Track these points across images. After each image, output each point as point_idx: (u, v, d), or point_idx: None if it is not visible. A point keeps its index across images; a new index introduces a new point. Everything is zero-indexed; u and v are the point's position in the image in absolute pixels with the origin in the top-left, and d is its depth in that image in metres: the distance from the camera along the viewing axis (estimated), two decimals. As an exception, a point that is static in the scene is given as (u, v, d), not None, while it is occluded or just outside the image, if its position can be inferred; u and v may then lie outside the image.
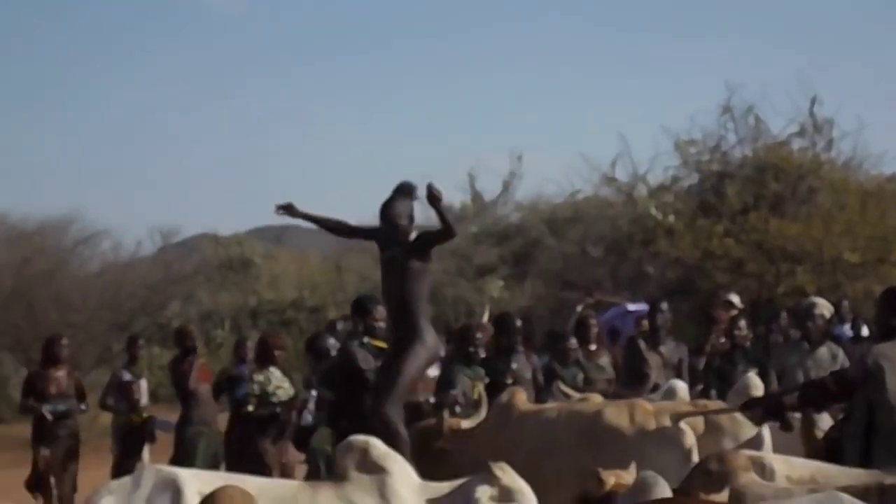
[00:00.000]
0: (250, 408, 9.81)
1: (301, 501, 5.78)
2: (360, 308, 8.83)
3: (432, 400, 8.85)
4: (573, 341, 10.11)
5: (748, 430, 8.11)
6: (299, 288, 26.45)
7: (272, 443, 9.92)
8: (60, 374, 10.14)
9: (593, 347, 10.37)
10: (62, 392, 10.02)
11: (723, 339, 11.26)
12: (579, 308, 12.18)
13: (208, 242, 29.36)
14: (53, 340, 10.45)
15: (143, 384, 10.91)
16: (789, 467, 5.89)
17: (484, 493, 5.55)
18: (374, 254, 27.94)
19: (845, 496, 4.75)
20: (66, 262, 21.19)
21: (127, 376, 10.88)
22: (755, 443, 7.73)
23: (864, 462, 6.40)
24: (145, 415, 10.73)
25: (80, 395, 10.26)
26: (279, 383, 9.96)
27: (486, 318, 14.55)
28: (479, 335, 9.30)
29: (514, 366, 9.34)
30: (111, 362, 20.94)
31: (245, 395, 9.94)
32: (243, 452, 9.67)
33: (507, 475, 5.74)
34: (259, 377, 9.91)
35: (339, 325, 11.98)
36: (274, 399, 9.85)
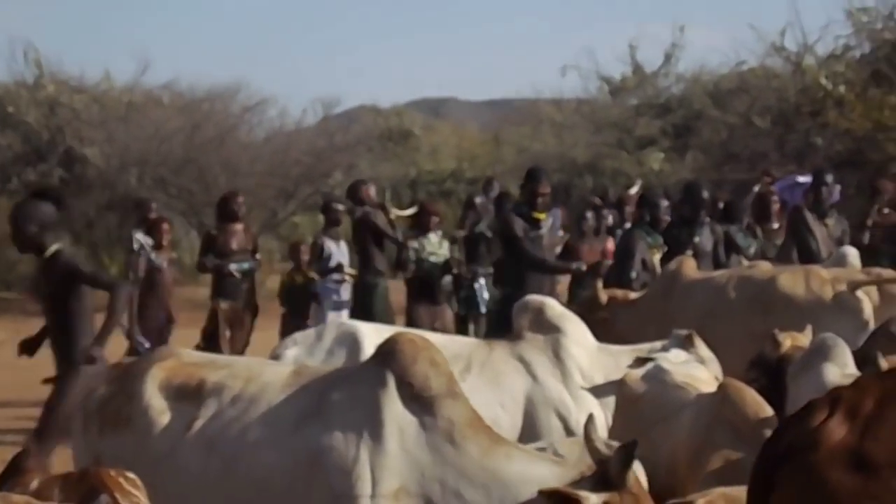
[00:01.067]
0: (406, 274, 10.01)
1: (476, 358, 5.87)
2: (528, 178, 8.81)
3: (584, 267, 8.85)
4: (742, 203, 9.97)
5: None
6: (458, 159, 26.57)
7: (427, 307, 10.03)
8: (239, 229, 10.17)
9: (775, 226, 10.19)
10: (242, 248, 10.07)
11: (887, 211, 10.97)
12: (757, 188, 11.93)
13: (368, 114, 29.60)
14: (230, 197, 10.44)
15: (343, 247, 10.82)
16: None
17: (679, 358, 5.52)
18: (533, 126, 27.88)
19: None
20: (234, 128, 21.52)
21: (324, 240, 10.84)
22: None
23: None
24: (309, 276, 10.66)
25: (255, 251, 10.30)
26: (434, 249, 10.11)
27: (635, 189, 14.43)
28: (663, 203, 9.20)
29: (696, 238, 9.21)
30: (277, 228, 21.44)
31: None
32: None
33: (700, 344, 5.71)
34: (414, 243, 10.06)
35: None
36: (427, 266, 10.01)
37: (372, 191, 10.79)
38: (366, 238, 10.29)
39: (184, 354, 4.44)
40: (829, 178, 9.98)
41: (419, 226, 10.29)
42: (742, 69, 21.79)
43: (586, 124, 24.65)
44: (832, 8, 21.95)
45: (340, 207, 10.84)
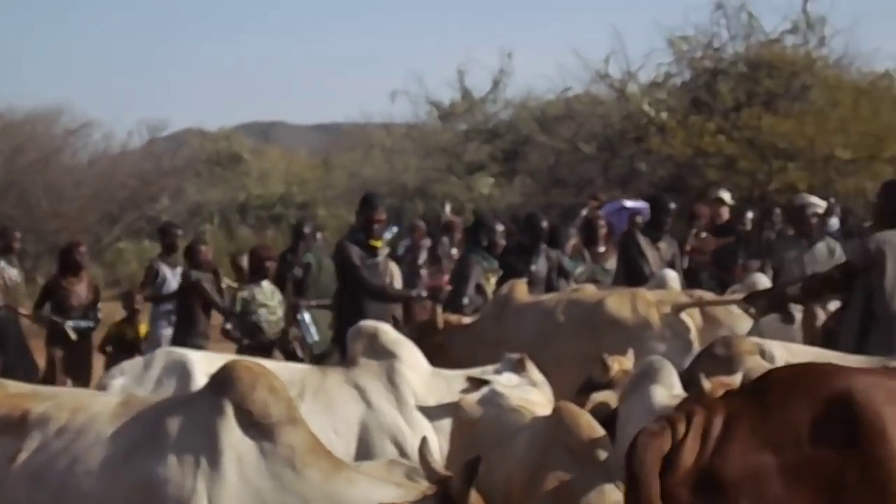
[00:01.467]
0: (227, 326, 9.16)
1: (310, 384, 5.80)
2: (363, 205, 8.75)
3: (424, 294, 8.87)
4: (572, 230, 10.09)
5: (743, 322, 8.17)
6: (287, 184, 26.41)
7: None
8: (81, 285, 9.82)
9: (602, 249, 10.35)
10: (82, 304, 9.74)
11: (704, 235, 11.30)
12: (584, 211, 12.14)
13: (196, 137, 29.22)
14: (72, 248, 10.00)
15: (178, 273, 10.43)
16: (790, 354, 5.94)
17: (510, 381, 5.56)
18: (363, 150, 27.70)
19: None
20: (57, 151, 21.01)
21: (159, 265, 10.48)
22: (750, 335, 7.78)
23: (859, 348, 6.47)
24: (140, 332, 10.34)
25: (95, 302, 9.92)
26: (266, 300, 9.21)
27: (447, 211, 14.58)
28: (498, 227, 9.25)
29: (533, 268, 9.31)
30: (102, 254, 20.94)
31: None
32: None
33: (532, 368, 5.76)
34: (244, 293, 9.23)
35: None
36: (254, 318, 9.12)
37: (209, 254, 10.36)
38: (193, 301, 9.72)
39: (7, 385, 4.28)
40: (672, 204, 10.16)
41: (251, 273, 9.50)
42: (568, 96, 22.22)
43: (416, 149, 24.80)
44: (654, 36, 22.51)
45: (179, 232, 10.60)
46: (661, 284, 8.60)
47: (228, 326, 9.16)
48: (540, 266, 9.36)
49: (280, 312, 9.28)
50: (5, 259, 10.22)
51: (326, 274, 9.94)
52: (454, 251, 11.72)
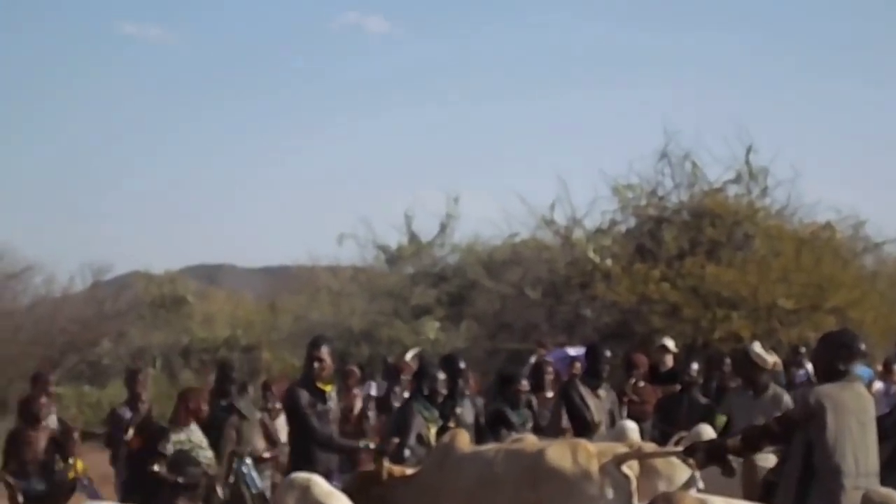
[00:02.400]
0: (156, 467, 8.89)
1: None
2: (311, 347, 8.72)
3: (372, 446, 8.75)
4: (524, 383, 10.06)
5: (682, 473, 8.10)
6: (233, 327, 26.25)
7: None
8: (41, 435, 9.56)
9: (549, 395, 10.30)
10: (42, 460, 9.45)
11: (642, 384, 11.29)
12: (533, 358, 12.16)
13: (140, 280, 29.07)
14: (30, 400, 9.77)
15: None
16: None
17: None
18: (309, 293, 27.54)
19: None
20: (-4, 296, 20.84)
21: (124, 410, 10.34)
22: (689, 486, 7.72)
23: (798, 502, 6.41)
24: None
25: (66, 457, 9.60)
26: (199, 441, 9.09)
27: (410, 355, 14.51)
28: (440, 376, 9.18)
29: (458, 410, 9.27)
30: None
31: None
32: None
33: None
34: (179, 436, 9.03)
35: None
36: (193, 454, 8.97)
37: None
38: None
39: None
40: (608, 353, 10.21)
41: (182, 416, 9.18)
42: (514, 241, 22.35)
43: (363, 292, 24.79)
44: (599, 184, 22.74)
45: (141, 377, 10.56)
46: (620, 436, 8.54)
47: (156, 468, 8.90)
48: (466, 410, 9.31)
49: (211, 455, 9.10)
50: None
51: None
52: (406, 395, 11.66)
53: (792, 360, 13.60)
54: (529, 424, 9.79)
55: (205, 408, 9.22)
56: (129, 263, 38.08)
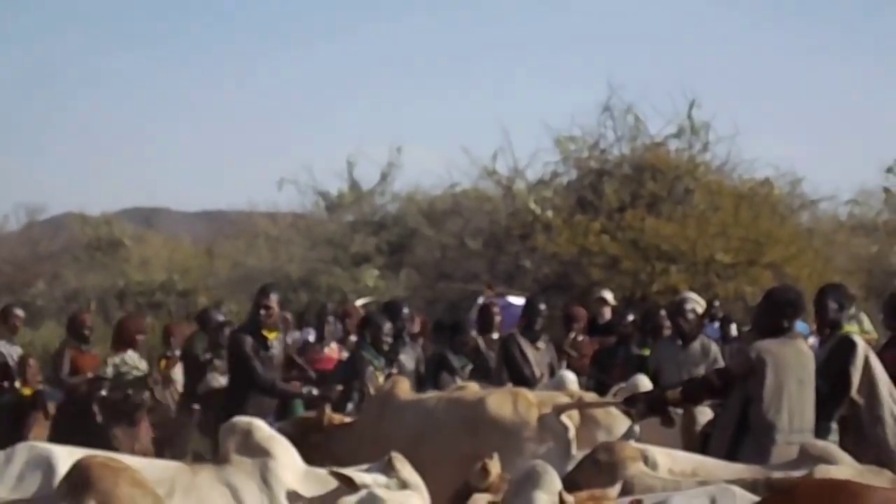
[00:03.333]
0: (103, 392, 9.37)
1: (179, 483, 5.60)
2: (259, 294, 8.70)
3: (315, 392, 8.73)
4: (472, 335, 10.09)
5: (622, 423, 8.16)
6: (169, 271, 26.00)
7: (125, 428, 9.42)
8: None
9: (496, 336, 10.32)
10: None
11: (581, 337, 11.34)
12: (481, 299, 12.17)
13: (75, 221, 28.70)
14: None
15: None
16: (672, 460, 5.91)
17: (377, 480, 5.44)
18: (247, 239, 27.39)
19: (737, 489, 4.77)
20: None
21: (7, 347, 10.32)
22: (628, 436, 7.78)
23: (731, 455, 6.49)
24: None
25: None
26: (135, 363, 9.65)
27: (360, 302, 14.50)
28: (387, 324, 9.17)
29: (401, 356, 9.27)
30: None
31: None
32: (92, 439, 9.25)
33: (405, 467, 5.64)
34: (114, 359, 9.59)
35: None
36: (130, 378, 9.52)
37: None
38: None
39: None
40: (542, 306, 10.26)
41: (119, 342, 9.81)
42: (455, 191, 22.34)
43: (302, 239, 24.67)
44: (541, 136, 22.77)
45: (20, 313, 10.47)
46: (560, 386, 8.57)
47: (103, 392, 9.26)
48: (407, 354, 9.33)
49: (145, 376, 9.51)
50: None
51: None
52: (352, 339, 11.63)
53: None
54: (469, 367, 9.83)
55: (141, 337, 9.70)
56: (64, 204, 37.60)
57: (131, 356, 9.63)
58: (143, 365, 9.71)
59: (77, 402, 9.54)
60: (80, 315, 10.69)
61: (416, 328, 11.13)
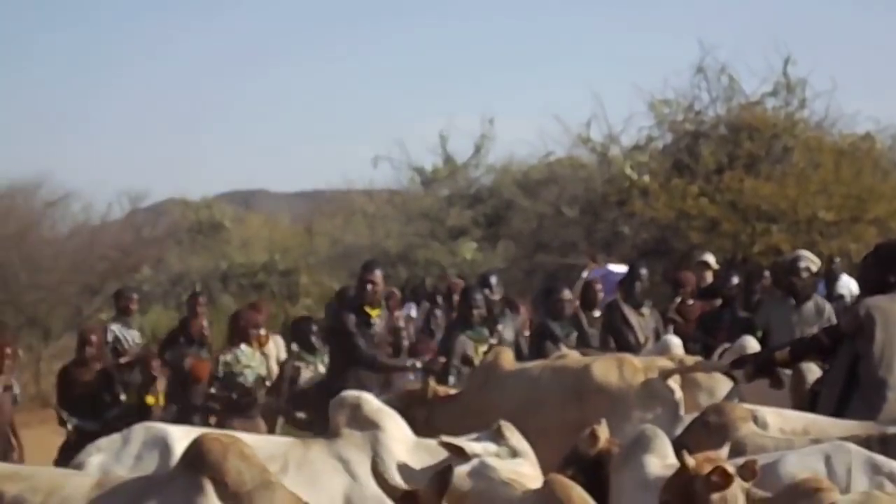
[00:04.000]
0: (212, 390, 9.23)
1: (292, 458, 5.68)
2: (362, 271, 8.77)
3: (418, 365, 8.79)
4: (566, 293, 10.03)
5: (724, 385, 8.11)
6: (270, 251, 26.29)
7: (242, 421, 9.03)
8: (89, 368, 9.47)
9: (597, 314, 10.29)
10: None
11: (691, 302, 11.24)
12: (585, 273, 12.12)
13: (177, 206, 29.17)
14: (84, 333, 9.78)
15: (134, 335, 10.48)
16: (782, 420, 5.86)
17: (487, 449, 5.47)
18: (345, 217, 27.56)
19: (852, 445, 4.72)
20: (36, 224, 20.91)
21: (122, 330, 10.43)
22: (730, 398, 7.73)
23: (839, 412, 6.41)
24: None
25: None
26: (248, 361, 9.31)
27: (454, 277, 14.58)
28: (477, 297, 9.21)
29: (499, 326, 9.29)
30: (82, 326, 20.75)
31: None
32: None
33: (514, 435, 5.66)
34: (226, 356, 9.29)
35: None
36: (241, 380, 9.21)
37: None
38: None
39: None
40: (644, 272, 10.18)
41: (233, 336, 9.49)
42: (550, 160, 22.25)
43: (398, 215, 24.78)
44: (635, 100, 22.48)
45: (134, 296, 10.51)
46: (664, 351, 8.53)
47: (213, 390, 9.14)
48: (505, 326, 9.34)
49: (264, 371, 9.28)
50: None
51: None
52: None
53: (827, 273, 13.42)
54: (573, 335, 9.79)
55: (255, 332, 9.39)
56: (165, 190, 38.24)
57: (244, 351, 9.35)
58: (255, 360, 9.39)
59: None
60: (193, 321, 10.48)
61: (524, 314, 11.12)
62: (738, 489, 4.21)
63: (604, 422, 5.74)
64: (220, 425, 9.10)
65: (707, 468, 4.18)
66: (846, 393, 6.63)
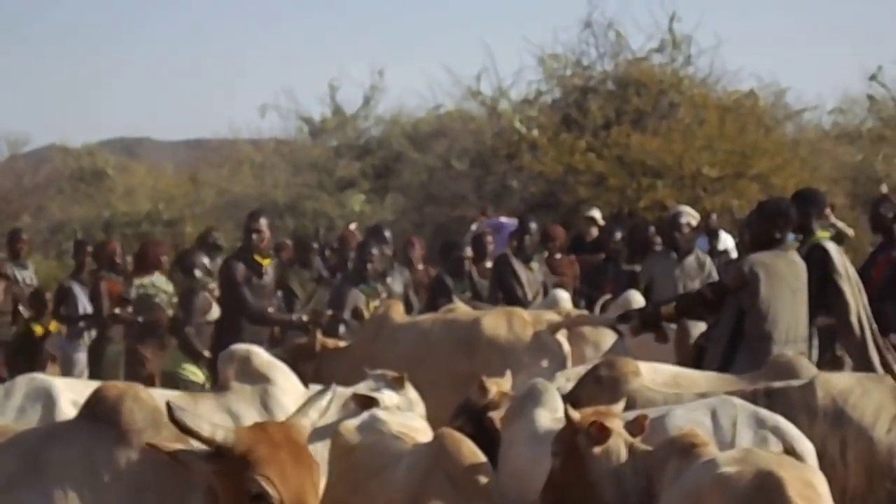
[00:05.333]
0: (117, 310, 9.40)
1: (181, 412, 5.61)
2: (249, 221, 8.62)
3: (305, 318, 8.72)
4: (468, 250, 10.06)
5: (609, 338, 8.23)
6: (154, 201, 25.84)
7: (154, 350, 9.24)
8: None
9: (489, 264, 10.32)
10: None
11: (558, 256, 11.34)
12: (475, 226, 12.14)
13: (58, 153, 28.50)
14: None
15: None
16: (654, 372, 5.95)
17: (391, 399, 5.48)
18: (231, 166, 27.21)
19: (738, 400, 4.80)
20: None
21: (20, 271, 10.39)
22: (615, 351, 7.83)
23: (724, 367, 6.53)
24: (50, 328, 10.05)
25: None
26: (162, 286, 9.55)
27: (353, 226, 14.51)
28: (374, 251, 9.17)
29: (388, 280, 9.28)
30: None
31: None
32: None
33: (409, 386, 5.68)
34: (142, 281, 9.51)
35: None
36: (157, 300, 9.39)
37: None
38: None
39: None
40: (534, 225, 10.23)
41: (144, 265, 9.71)
42: (439, 112, 22.20)
43: (286, 165, 24.53)
44: (525, 54, 22.56)
45: (25, 237, 10.57)
46: (552, 305, 8.60)
47: (117, 311, 9.34)
48: (395, 281, 9.34)
49: (173, 300, 9.37)
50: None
51: None
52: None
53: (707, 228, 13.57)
54: (467, 294, 9.81)
55: (165, 259, 9.79)
56: (45, 136, 37.39)
57: (158, 279, 9.58)
58: (170, 287, 9.60)
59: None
60: (110, 245, 10.59)
61: (418, 253, 11.11)
62: (620, 443, 4.28)
63: (508, 374, 5.79)
64: (131, 351, 9.24)
65: (601, 422, 4.24)
66: (731, 347, 6.76)
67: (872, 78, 21.91)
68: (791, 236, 11.24)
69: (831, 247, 7.25)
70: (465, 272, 9.87)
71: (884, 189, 12.72)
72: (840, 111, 22.59)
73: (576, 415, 4.33)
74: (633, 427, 4.36)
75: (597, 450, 4.27)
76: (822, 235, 7.41)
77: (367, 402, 5.52)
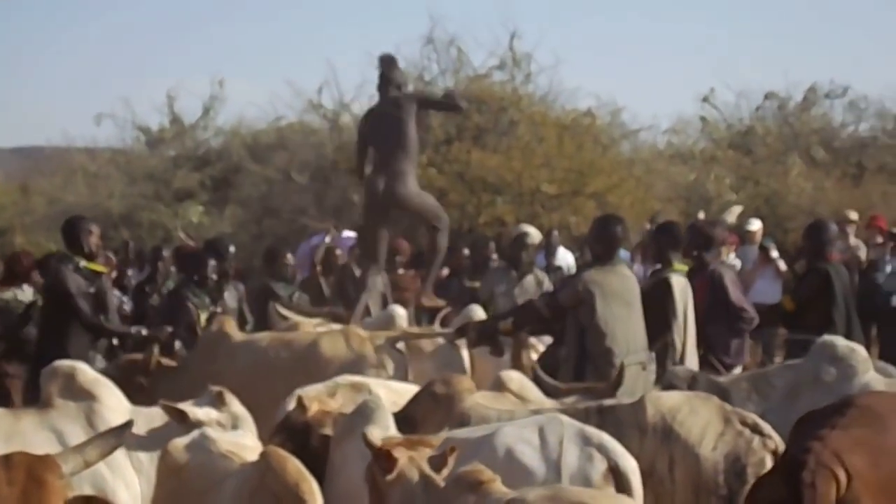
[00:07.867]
0: None
1: (1, 428, 5.44)
2: (74, 230, 8.29)
3: (144, 332, 8.46)
4: (290, 256, 10.04)
5: (450, 353, 8.25)
6: (-18, 210, 25.09)
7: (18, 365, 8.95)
8: None
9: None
10: None
11: (401, 271, 11.38)
12: (328, 238, 12.04)
13: None
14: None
15: None
16: (389, 391, 6.03)
17: (209, 415, 5.37)
18: (64, 175, 26.43)
19: (565, 417, 4.83)
20: None
21: None
22: (456, 365, 7.87)
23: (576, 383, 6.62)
24: None
25: None
26: (27, 299, 9.22)
27: (184, 235, 14.27)
28: (212, 263, 9.02)
29: (225, 295, 9.15)
30: None
31: None
32: None
33: (234, 402, 5.58)
34: (5, 294, 9.19)
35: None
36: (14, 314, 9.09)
37: None
38: None
39: None
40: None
41: (13, 276, 9.38)
42: (280, 124, 22.02)
43: (122, 175, 24.01)
44: (366, 68, 22.51)
45: None
46: (389, 321, 8.58)
47: None
48: (229, 296, 9.24)
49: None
50: None
51: None
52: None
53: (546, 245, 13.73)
54: (296, 295, 9.81)
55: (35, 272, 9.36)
56: None
57: (26, 291, 9.28)
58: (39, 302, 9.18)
59: None
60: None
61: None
62: (415, 474, 4.21)
63: (339, 394, 5.74)
64: None
65: (389, 451, 4.20)
66: (580, 364, 6.89)
67: (705, 100, 22.52)
68: (624, 253, 11.46)
69: (676, 283, 7.44)
70: (288, 276, 9.94)
71: (701, 215, 13.03)
72: (674, 132, 23.15)
73: (374, 442, 4.28)
74: (439, 461, 4.29)
75: (389, 478, 4.20)
76: (679, 269, 7.62)
77: (177, 415, 5.41)
